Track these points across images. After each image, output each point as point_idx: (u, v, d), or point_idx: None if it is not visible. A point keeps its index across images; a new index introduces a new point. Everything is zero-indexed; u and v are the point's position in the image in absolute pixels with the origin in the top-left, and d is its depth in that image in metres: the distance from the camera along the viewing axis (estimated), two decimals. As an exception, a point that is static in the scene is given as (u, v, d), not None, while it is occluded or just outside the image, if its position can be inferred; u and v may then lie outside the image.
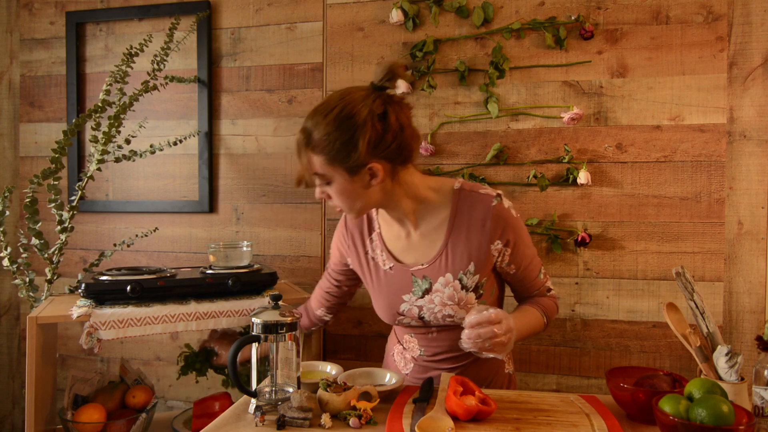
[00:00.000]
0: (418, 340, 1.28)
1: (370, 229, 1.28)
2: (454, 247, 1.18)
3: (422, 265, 1.21)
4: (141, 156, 1.96)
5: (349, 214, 1.17)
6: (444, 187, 1.21)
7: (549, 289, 1.31)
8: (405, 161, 1.14)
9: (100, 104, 1.76)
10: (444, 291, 1.18)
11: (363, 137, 1.06)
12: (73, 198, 1.80)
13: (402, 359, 1.32)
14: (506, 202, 1.19)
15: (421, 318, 1.22)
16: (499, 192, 1.20)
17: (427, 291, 1.20)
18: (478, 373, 1.24)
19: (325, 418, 0.95)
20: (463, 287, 1.18)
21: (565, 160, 1.88)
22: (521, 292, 1.31)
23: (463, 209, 1.18)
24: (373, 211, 1.29)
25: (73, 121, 1.77)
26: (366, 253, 1.28)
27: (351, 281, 1.39)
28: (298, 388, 1.05)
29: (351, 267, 1.34)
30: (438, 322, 1.21)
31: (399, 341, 1.33)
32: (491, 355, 1.05)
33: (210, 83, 2.15)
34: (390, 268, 1.24)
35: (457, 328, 1.21)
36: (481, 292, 1.20)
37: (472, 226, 1.17)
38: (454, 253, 1.18)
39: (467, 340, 1.03)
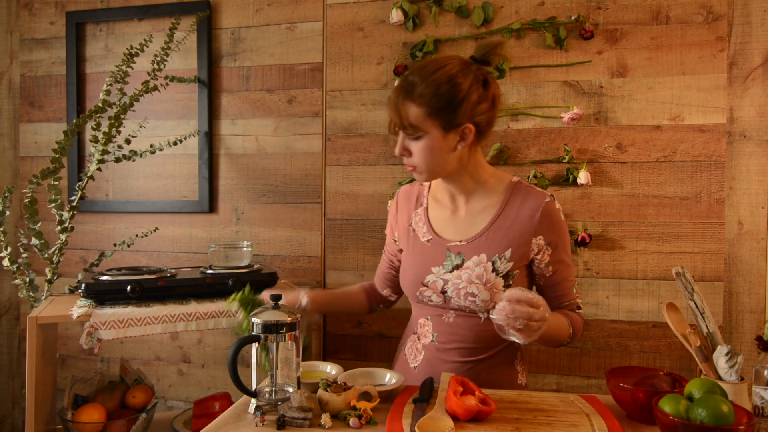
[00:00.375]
0: (432, 325, 1.27)
1: (418, 204, 1.33)
2: (497, 230, 1.21)
3: (460, 241, 1.24)
4: (141, 156, 1.96)
5: (421, 175, 1.20)
6: (503, 177, 1.28)
7: (579, 306, 1.30)
8: (484, 136, 1.21)
9: (100, 104, 1.76)
10: (474, 269, 1.20)
11: (468, 97, 1.14)
12: (73, 198, 1.80)
13: (413, 350, 1.32)
14: (557, 204, 1.24)
15: (443, 293, 1.22)
16: (552, 194, 1.25)
17: (458, 267, 1.22)
18: (489, 380, 1.23)
19: (325, 418, 0.95)
20: (494, 270, 1.19)
21: (565, 160, 1.88)
22: (551, 301, 1.26)
23: (515, 199, 1.23)
24: (425, 188, 1.34)
25: (74, 121, 1.77)
26: (409, 225, 1.33)
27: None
28: (298, 388, 1.05)
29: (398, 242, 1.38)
30: (459, 300, 1.21)
31: (414, 331, 1.33)
32: (513, 338, 1.02)
33: (210, 83, 2.15)
34: (428, 240, 1.27)
35: (473, 317, 1.23)
36: (510, 282, 1.21)
37: (519, 216, 1.21)
38: (495, 235, 1.21)
39: (500, 311, 1.00)
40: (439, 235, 1.27)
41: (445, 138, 1.15)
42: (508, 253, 1.20)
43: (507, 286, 1.20)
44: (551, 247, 1.22)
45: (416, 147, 1.16)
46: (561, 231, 1.23)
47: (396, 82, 1.20)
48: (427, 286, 1.25)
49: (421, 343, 1.30)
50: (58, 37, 2.28)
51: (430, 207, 1.31)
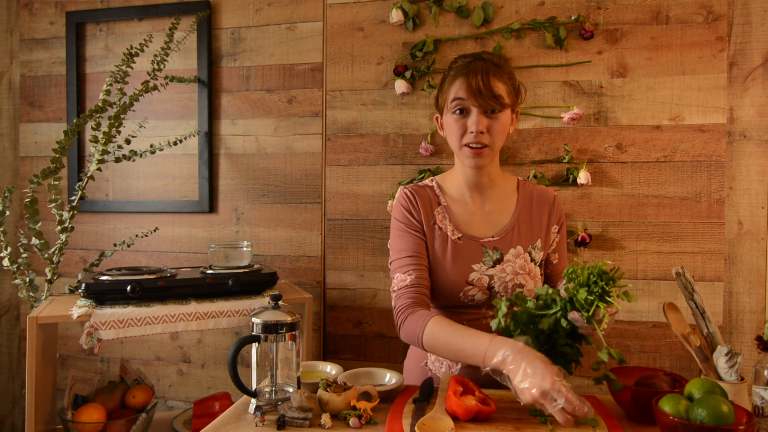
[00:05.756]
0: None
1: (436, 203, 1.30)
2: (524, 223, 1.28)
3: (492, 237, 1.26)
4: (141, 156, 1.96)
5: (488, 156, 1.22)
6: (510, 176, 1.37)
7: None
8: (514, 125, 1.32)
9: (100, 104, 1.76)
10: (515, 261, 1.24)
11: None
12: (73, 198, 1.80)
13: (444, 363, 1.27)
14: None
15: (489, 289, 1.23)
16: None
17: (498, 261, 1.24)
18: None
19: (325, 418, 0.95)
20: (532, 260, 1.26)
21: (565, 160, 1.88)
22: None
23: (527, 194, 1.32)
24: (435, 188, 1.32)
25: (74, 121, 1.77)
26: (434, 222, 1.29)
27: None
28: (298, 388, 1.05)
29: (424, 234, 1.28)
30: (507, 293, 1.24)
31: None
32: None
33: (210, 83, 2.15)
34: (458, 238, 1.27)
35: None
36: (542, 272, 1.30)
37: (537, 208, 1.30)
38: (524, 228, 1.28)
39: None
40: (468, 232, 1.27)
41: (511, 117, 1.23)
42: (539, 243, 1.28)
43: (541, 275, 1.29)
44: (559, 235, 1.32)
45: (496, 123, 1.19)
46: (564, 222, 1.34)
47: (465, 65, 1.21)
48: (472, 284, 1.23)
49: None
50: (58, 37, 2.28)
51: (450, 205, 1.30)
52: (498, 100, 1.16)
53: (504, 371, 0.95)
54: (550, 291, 1.01)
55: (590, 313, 0.93)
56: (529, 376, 0.90)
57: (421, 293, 1.19)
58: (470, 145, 1.19)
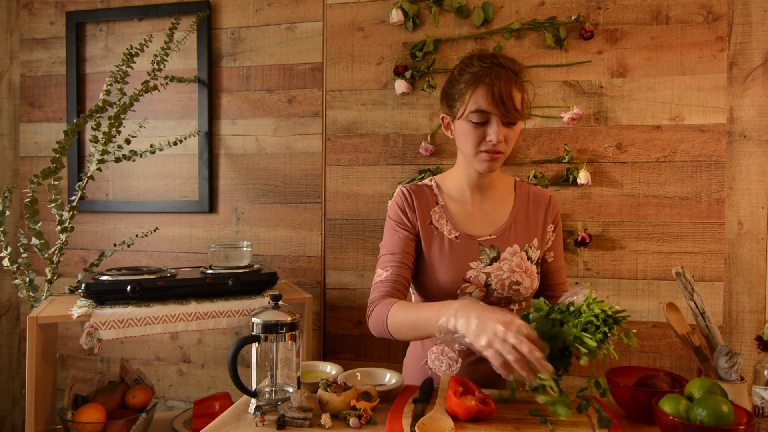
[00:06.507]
0: None
1: (434, 203, 1.32)
2: (521, 222, 1.30)
3: (490, 235, 1.28)
4: (141, 156, 1.96)
5: (500, 162, 1.24)
6: (506, 176, 1.38)
7: None
8: None
9: (100, 104, 1.76)
10: (512, 259, 1.26)
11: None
12: (73, 198, 1.80)
13: (444, 360, 1.29)
14: None
15: (486, 286, 1.24)
16: None
17: (495, 259, 1.26)
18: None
19: (325, 418, 0.95)
20: (529, 258, 1.27)
21: (565, 160, 1.88)
22: (553, 289, 1.35)
23: (523, 195, 1.34)
24: (434, 188, 1.33)
25: (74, 121, 1.77)
26: (430, 222, 1.30)
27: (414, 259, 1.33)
28: (298, 388, 1.05)
29: (417, 233, 1.30)
30: (503, 291, 1.24)
31: (437, 341, 1.31)
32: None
33: (210, 83, 2.15)
34: (456, 237, 1.28)
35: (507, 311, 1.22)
36: (538, 270, 1.31)
37: (533, 208, 1.33)
38: (521, 227, 1.30)
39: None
40: (465, 231, 1.28)
41: (520, 127, 1.24)
42: (535, 242, 1.29)
43: (538, 273, 1.30)
44: (555, 234, 1.34)
45: (513, 133, 1.20)
46: (560, 222, 1.37)
47: (478, 70, 1.18)
48: (469, 282, 1.24)
49: (455, 350, 1.28)
50: (58, 37, 2.28)
51: (448, 204, 1.32)
52: (519, 113, 1.17)
53: (454, 325, 0.97)
54: (545, 308, 1.00)
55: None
56: (476, 321, 0.93)
57: (395, 288, 1.22)
58: (487, 151, 1.20)
